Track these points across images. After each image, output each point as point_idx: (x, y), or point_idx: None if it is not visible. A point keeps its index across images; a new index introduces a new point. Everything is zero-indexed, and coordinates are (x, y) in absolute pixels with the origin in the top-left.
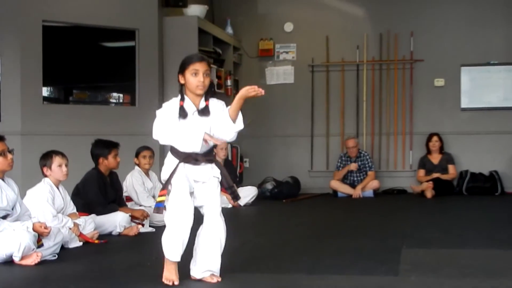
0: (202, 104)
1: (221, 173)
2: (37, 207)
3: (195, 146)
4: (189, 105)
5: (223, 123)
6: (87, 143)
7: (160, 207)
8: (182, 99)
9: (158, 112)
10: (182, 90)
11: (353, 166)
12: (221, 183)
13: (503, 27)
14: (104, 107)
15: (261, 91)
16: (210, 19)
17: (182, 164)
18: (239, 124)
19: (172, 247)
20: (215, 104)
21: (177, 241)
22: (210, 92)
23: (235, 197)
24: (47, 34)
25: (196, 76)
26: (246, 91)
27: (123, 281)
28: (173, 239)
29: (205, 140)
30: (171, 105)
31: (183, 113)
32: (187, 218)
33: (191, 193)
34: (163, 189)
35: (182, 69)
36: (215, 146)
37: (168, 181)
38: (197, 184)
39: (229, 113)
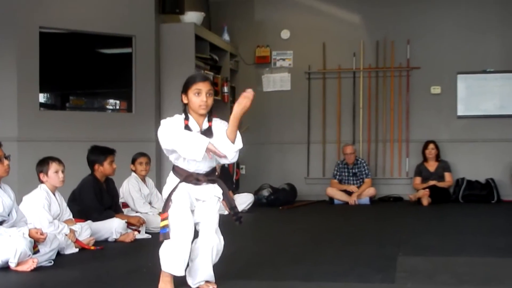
0: (205, 125)
1: (223, 193)
2: (33, 213)
3: (198, 154)
4: (193, 125)
5: (222, 144)
6: (83, 149)
7: (166, 233)
8: (187, 118)
9: (163, 121)
10: (186, 109)
11: (353, 188)
12: (226, 181)
13: (499, 35)
14: (100, 114)
15: (250, 93)
16: (207, 26)
17: (183, 183)
18: (238, 144)
19: (172, 261)
20: (218, 125)
21: (177, 255)
22: (213, 112)
23: (238, 219)
24: (44, 40)
25: (199, 96)
26: (240, 109)
27: (119, 287)
28: (173, 253)
29: (208, 151)
30: (176, 121)
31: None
32: (187, 233)
33: (192, 211)
34: (163, 211)
35: (185, 89)
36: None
37: (169, 199)
38: (198, 202)
39: (226, 134)
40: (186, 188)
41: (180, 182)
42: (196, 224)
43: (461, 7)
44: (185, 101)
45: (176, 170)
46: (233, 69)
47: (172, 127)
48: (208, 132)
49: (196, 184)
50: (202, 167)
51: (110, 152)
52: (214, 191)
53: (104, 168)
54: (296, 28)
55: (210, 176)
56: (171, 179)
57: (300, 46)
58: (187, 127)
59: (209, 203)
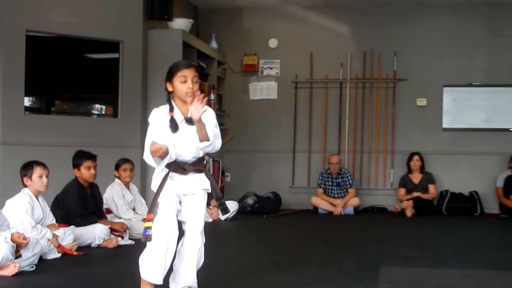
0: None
1: (211, 184)
2: (16, 218)
3: (149, 161)
4: (178, 115)
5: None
6: (68, 154)
7: (148, 235)
8: (171, 109)
9: (151, 114)
10: (170, 98)
11: (338, 203)
12: (210, 194)
13: (486, 49)
14: (86, 119)
15: (198, 97)
16: (195, 33)
17: (170, 175)
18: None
19: (152, 269)
20: (205, 113)
21: (158, 262)
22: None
23: (224, 209)
24: (30, 44)
25: (185, 83)
26: (196, 112)
27: None
28: (153, 260)
29: (154, 153)
30: (161, 115)
31: (174, 125)
32: (170, 241)
33: (178, 211)
34: (149, 212)
35: (169, 76)
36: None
37: (155, 199)
38: (186, 197)
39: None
40: (173, 182)
41: (167, 173)
42: (182, 223)
43: (448, 21)
44: (170, 89)
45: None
46: (220, 76)
47: (155, 125)
48: (191, 120)
49: (182, 173)
50: (188, 157)
51: (88, 157)
52: (202, 183)
53: (81, 173)
54: (284, 37)
55: (196, 166)
56: (159, 169)
57: (287, 55)
58: (172, 119)
59: (197, 197)
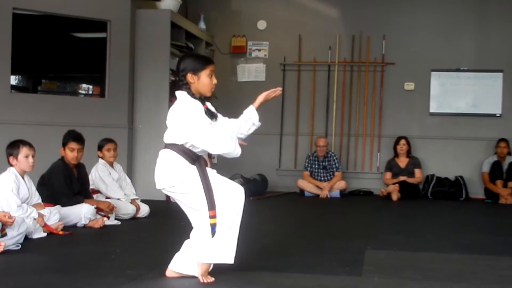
0: (210, 106)
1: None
2: (1, 196)
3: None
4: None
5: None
6: (54, 133)
7: (214, 232)
8: (203, 102)
9: (189, 108)
10: (191, 90)
11: (324, 185)
12: None
13: (474, 34)
14: (73, 98)
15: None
16: (184, 13)
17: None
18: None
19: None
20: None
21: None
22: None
23: None
24: (17, 22)
25: (212, 78)
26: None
27: (87, 273)
28: (234, 240)
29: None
30: (199, 108)
31: (211, 116)
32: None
33: None
34: (211, 208)
35: (197, 69)
36: None
37: (211, 194)
38: None
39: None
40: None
41: (198, 163)
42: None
43: (437, 5)
44: (192, 80)
45: (186, 152)
46: None
47: (202, 119)
48: (214, 114)
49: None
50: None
51: (74, 139)
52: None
53: (65, 153)
54: (273, 19)
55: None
56: (180, 162)
57: (276, 37)
58: (210, 112)
59: None
